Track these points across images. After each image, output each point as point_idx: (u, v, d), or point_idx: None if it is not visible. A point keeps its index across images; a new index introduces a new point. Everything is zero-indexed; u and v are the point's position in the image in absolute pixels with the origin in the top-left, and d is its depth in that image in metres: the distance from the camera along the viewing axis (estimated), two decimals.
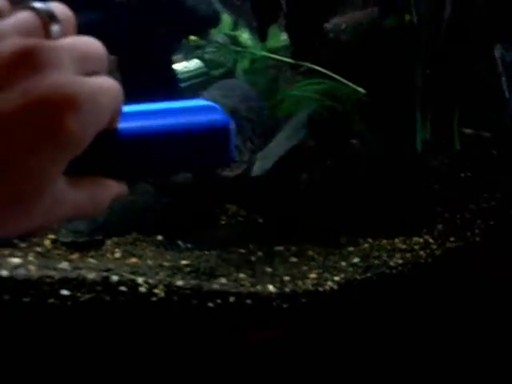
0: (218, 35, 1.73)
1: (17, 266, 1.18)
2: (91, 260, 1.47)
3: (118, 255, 1.54)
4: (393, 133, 1.85)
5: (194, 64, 1.82)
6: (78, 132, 0.45)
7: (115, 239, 1.61)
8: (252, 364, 1.31)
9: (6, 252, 1.40)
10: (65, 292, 1.17)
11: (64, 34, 0.48)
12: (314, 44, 1.77)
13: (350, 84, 1.70)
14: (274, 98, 1.69)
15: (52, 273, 1.18)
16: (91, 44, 0.50)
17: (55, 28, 0.47)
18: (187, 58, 1.79)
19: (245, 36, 1.73)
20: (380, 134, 1.81)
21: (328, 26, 1.86)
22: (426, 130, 1.87)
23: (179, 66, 1.79)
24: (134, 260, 1.51)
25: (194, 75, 1.84)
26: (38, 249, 1.52)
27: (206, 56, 1.74)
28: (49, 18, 0.47)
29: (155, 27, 1.64)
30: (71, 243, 1.55)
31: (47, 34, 0.47)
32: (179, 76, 1.78)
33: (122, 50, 1.62)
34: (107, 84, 0.49)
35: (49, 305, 1.16)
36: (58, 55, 0.45)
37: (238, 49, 1.74)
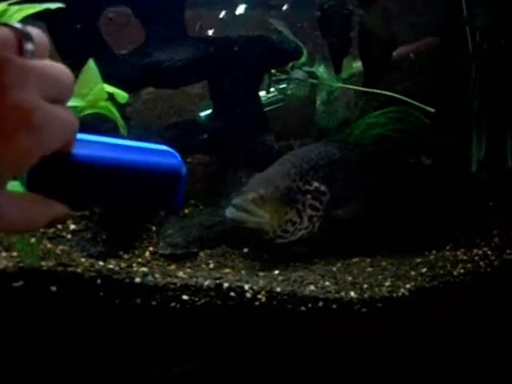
0: (297, 71, 1.88)
1: (146, 274, 1.36)
2: (189, 270, 1.64)
3: (211, 266, 1.72)
4: (452, 152, 1.98)
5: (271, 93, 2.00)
6: (28, 151, 0.48)
7: (207, 251, 1.78)
8: (341, 362, 1.48)
9: (123, 264, 1.59)
10: (185, 297, 1.35)
11: (37, 55, 0.51)
12: (384, 72, 1.90)
13: (420, 105, 1.82)
14: (350, 127, 1.85)
15: (175, 280, 1.37)
16: (60, 71, 0.52)
17: (28, 46, 0.50)
18: (268, 89, 1.96)
19: (321, 70, 1.88)
20: (441, 153, 1.94)
21: (394, 54, 1.99)
22: (481, 150, 1.98)
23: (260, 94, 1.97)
24: (227, 270, 1.69)
25: (272, 102, 2.01)
26: (140, 260, 1.71)
27: (288, 92, 1.90)
28: (24, 36, 0.50)
29: (244, 60, 1.83)
30: (169, 255, 1.73)
31: (20, 51, 0.50)
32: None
33: (213, 80, 1.83)
34: (64, 114, 0.51)
35: (171, 308, 1.34)
36: (24, 73, 0.48)
37: (316, 82, 1.89)
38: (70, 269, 1.31)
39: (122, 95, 1.33)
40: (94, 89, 1.27)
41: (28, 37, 0.50)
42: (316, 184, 1.73)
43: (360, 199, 1.79)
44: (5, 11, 1.19)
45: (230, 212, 1.57)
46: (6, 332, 1.22)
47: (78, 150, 0.54)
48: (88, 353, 1.26)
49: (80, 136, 0.55)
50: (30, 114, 0.48)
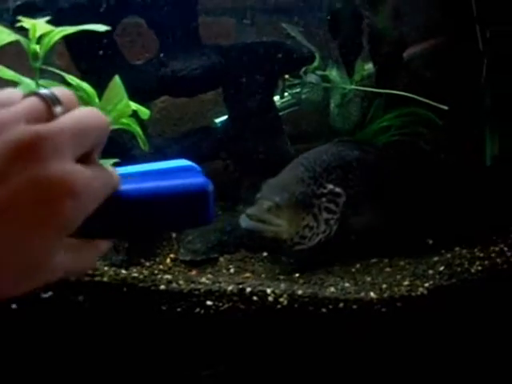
0: (310, 75, 1.91)
1: (170, 281, 1.40)
2: (210, 276, 1.67)
3: (232, 271, 1.74)
4: (466, 150, 2.00)
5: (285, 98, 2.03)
6: (74, 216, 0.51)
7: (227, 256, 1.80)
8: (362, 360, 1.51)
9: (145, 271, 1.62)
10: (209, 302, 1.38)
11: (66, 111, 0.53)
12: (396, 72, 1.92)
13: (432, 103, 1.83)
14: (365, 129, 1.87)
15: (198, 286, 1.40)
16: (92, 115, 0.55)
17: (58, 109, 0.53)
18: (282, 93, 1.99)
19: (334, 73, 1.91)
20: (455, 151, 1.97)
21: (405, 54, 2.01)
22: (495, 145, 2.00)
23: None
24: (247, 274, 1.71)
25: (286, 107, 2.04)
26: (161, 266, 1.74)
27: (302, 96, 1.93)
28: (52, 101, 0.53)
29: (258, 66, 1.86)
30: (190, 261, 1.75)
31: (51, 116, 0.52)
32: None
33: (227, 86, 1.86)
34: (103, 173, 0.54)
35: (196, 314, 1.37)
36: (59, 142, 0.50)
37: (329, 85, 1.92)
38: (96, 278, 1.33)
39: (144, 112, 1.37)
40: (119, 105, 1.30)
41: (56, 101, 0.53)
42: (330, 186, 1.70)
43: (376, 205, 1.78)
44: (49, 32, 1.23)
45: (244, 222, 1.56)
46: (37, 342, 1.25)
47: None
48: (117, 359, 1.29)
49: None
50: (72, 184, 0.50)
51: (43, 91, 0.52)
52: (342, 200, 1.72)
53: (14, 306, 1.25)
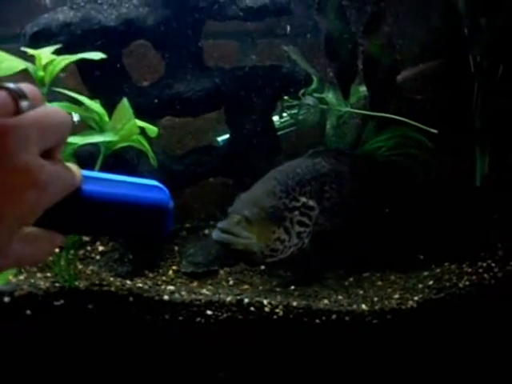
0: (307, 97, 2.01)
1: (173, 292, 1.49)
2: (210, 287, 1.74)
3: (231, 283, 1.82)
4: (456, 169, 2.07)
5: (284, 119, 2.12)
6: (35, 207, 0.52)
7: (227, 269, 1.88)
8: (353, 371, 1.59)
9: (149, 282, 1.71)
10: (209, 312, 1.47)
11: (32, 107, 0.54)
12: (389, 96, 2.00)
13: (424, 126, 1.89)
14: (360, 150, 1.96)
15: (199, 297, 1.49)
16: (55, 113, 0.56)
17: (24, 104, 0.53)
18: (281, 114, 2.08)
19: (330, 95, 2.00)
20: (445, 171, 2.04)
21: (398, 78, 2.08)
22: (485, 165, 2.05)
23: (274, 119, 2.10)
24: (246, 286, 1.79)
25: (284, 127, 2.14)
26: (164, 278, 1.82)
27: (300, 117, 2.02)
28: (19, 95, 0.53)
29: (258, 88, 1.96)
30: (191, 273, 1.83)
31: (17, 110, 0.53)
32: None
33: (229, 107, 1.96)
34: (65, 171, 0.56)
35: (197, 323, 1.46)
36: (24, 135, 0.52)
37: (326, 107, 2.01)
38: (104, 288, 1.43)
39: (152, 129, 1.47)
40: (128, 125, 1.40)
41: (23, 95, 0.54)
42: (303, 199, 1.70)
43: (349, 212, 1.78)
44: (52, 61, 1.34)
45: (215, 235, 1.57)
46: (50, 346, 1.34)
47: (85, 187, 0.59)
48: (125, 365, 1.38)
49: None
50: (37, 175, 0.52)
51: (10, 85, 0.54)
52: (314, 213, 1.73)
53: (28, 312, 1.34)
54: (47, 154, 0.55)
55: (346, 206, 1.80)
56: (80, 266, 1.65)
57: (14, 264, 0.56)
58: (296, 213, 1.67)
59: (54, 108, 0.56)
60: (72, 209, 0.58)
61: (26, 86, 0.54)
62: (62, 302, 1.36)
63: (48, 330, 1.34)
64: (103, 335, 1.38)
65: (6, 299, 1.34)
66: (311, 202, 1.71)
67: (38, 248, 0.57)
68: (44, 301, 1.35)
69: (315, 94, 1.96)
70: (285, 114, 2.09)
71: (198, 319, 1.45)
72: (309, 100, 1.96)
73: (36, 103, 0.54)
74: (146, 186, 0.62)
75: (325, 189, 1.76)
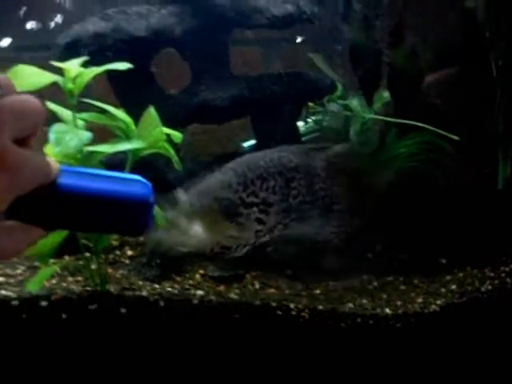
0: (332, 104, 2.05)
1: (202, 296, 1.53)
2: (237, 291, 1.77)
3: (257, 286, 1.85)
4: (478, 173, 2.09)
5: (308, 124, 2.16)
6: (5, 191, 0.52)
7: (253, 273, 1.91)
8: (377, 372, 1.62)
9: (177, 285, 1.75)
10: (237, 315, 1.51)
11: (5, 95, 0.53)
12: (413, 102, 2.03)
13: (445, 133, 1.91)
14: (383, 155, 1.99)
15: (228, 301, 1.53)
16: (28, 101, 0.55)
17: None
18: (305, 120, 2.13)
19: (354, 103, 2.04)
20: (467, 175, 2.06)
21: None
22: (507, 168, 2.07)
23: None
24: (272, 290, 1.83)
25: (308, 132, 2.17)
26: (191, 281, 1.86)
27: (324, 123, 2.07)
28: None
29: (284, 95, 2.00)
30: (218, 277, 1.85)
31: None
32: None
33: (255, 113, 2.00)
34: (37, 158, 0.55)
35: (226, 326, 1.50)
36: None
37: (350, 114, 2.05)
38: (136, 292, 1.47)
39: (177, 136, 1.52)
40: (154, 132, 1.45)
41: None
42: (263, 195, 1.49)
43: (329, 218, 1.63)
44: (80, 73, 1.39)
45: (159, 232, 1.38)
46: (86, 348, 1.39)
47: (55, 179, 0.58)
48: (160, 367, 1.42)
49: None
50: (7, 157, 0.51)
51: None
52: (273, 210, 1.51)
53: (64, 315, 1.39)
54: (21, 143, 0.54)
55: (318, 205, 1.61)
56: (110, 270, 1.69)
57: None
58: (254, 209, 1.47)
59: (27, 96, 0.55)
60: (48, 202, 0.57)
61: None
62: (95, 305, 1.40)
63: (83, 334, 1.39)
64: (136, 338, 1.42)
65: (43, 303, 1.38)
66: (272, 198, 1.51)
67: (14, 240, 0.57)
68: (78, 305, 1.39)
69: (340, 101, 1.99)
70: (309, 120, 2.12)
71: (227, 322, 1.48)
72: (333, 106, 1.99)
73: (9, 92, 0.54)
74: (127, 181, 0.60)
75: (291, 185, 1.56)
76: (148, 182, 0.61)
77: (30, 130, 0.55)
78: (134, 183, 0.60)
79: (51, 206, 0.57)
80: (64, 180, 0.57)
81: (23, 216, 0.56)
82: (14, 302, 1.38)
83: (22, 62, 1.44)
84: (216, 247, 1.41)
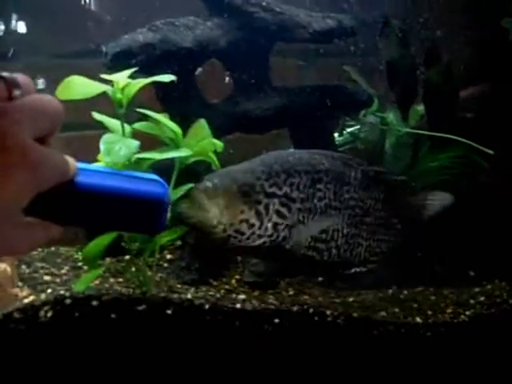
0: (369, 116, 2.12)
1: (244, 300, 1.60)
2: (272, 297, 1.83)
3: (291, 293, 1.91)
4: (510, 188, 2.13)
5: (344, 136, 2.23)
6: (27, 187, 0.53)
7: (287, 280, 1.97)
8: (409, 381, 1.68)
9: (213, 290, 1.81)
10: (276, 320, 1.58)
11: (25, 95, 0.55)
12: (447, 117, 2.09)
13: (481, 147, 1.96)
14: (416, 169, 2.05)
15: (269, 306, 1.60)
16: (48, 101, 0.57)
17: (17, 92, 0.55)
18: (341, 132, 2.19)
19: (391, 116, 2.10)
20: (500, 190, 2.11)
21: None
22: None
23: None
24: (306, 297, 1.89)
25: (343, 144, 2.24)
26: (227, 286, 1.92)
27: (361, 135, 2.13)
28: (13, 84, 0.55)
29: (322, 107, 2.07)
30: (253, 283, 1.91)
31: (10, 97, 0.54)
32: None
33: (295, 124, 2.07)
34: (57, 156, 0.56)
35: (264, 331, 1.57)
36: (17, 118, 0.53)
37: (386, 127, 2.11)
38: (182, 296, 1.54)
39: (219, 145, 1.60)
40: (203, 142, 1.52)
41: (16, 84, 0.55)
42: (286, 189, 1.52)
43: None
44: (127, 85, 1.47)
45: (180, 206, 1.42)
46: (134, 349, 1.46)
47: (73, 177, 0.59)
48: (206, 369, 1.49)
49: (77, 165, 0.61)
50: (26, 154, 0.52)
51: (5, 74, 0.55)
52: (295, 206, 1.54)
53: (113, 315, 1.46)
54: (40, 142, 0.56)
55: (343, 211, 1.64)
56: (149, 273, 1.76)
57: (9, 252, 0.60)
58: (275, 200, 1.49)
59: (47, 96, 0.57)
60: (66, 199, 0.58)
61: (19, 76, 0.56)
62: (143, 307, 1.47)
63: (133, 334, 1.46)
64: (184, 340, 1.49)
65: (94, 303, 1.45)
66: (295, 194, 1.53)
67: (32, 236, 0.58)
68: (128, 305, 1.46)
69: (376, 114, 2.05)
70: (344, 132, 2.19)
71: (267, 327, 1.54)
72: (370, 119, 2.05)
73: (29, 92, 0.56)
74: (143, 180, 0.61)
75: (317, 186, 1.58)
76: (164, 182, 0.62)
77: (49, 129, 0.57)
78: (150, 183, 0.61)
79: (69, 203, 0.58)
80: (82, 178, 0.59)
81: (42, 213, 0.57)
82: (67, 301, 1.45)
83: (69, 69, 1.51)
84: (229, 229, 1.43)
